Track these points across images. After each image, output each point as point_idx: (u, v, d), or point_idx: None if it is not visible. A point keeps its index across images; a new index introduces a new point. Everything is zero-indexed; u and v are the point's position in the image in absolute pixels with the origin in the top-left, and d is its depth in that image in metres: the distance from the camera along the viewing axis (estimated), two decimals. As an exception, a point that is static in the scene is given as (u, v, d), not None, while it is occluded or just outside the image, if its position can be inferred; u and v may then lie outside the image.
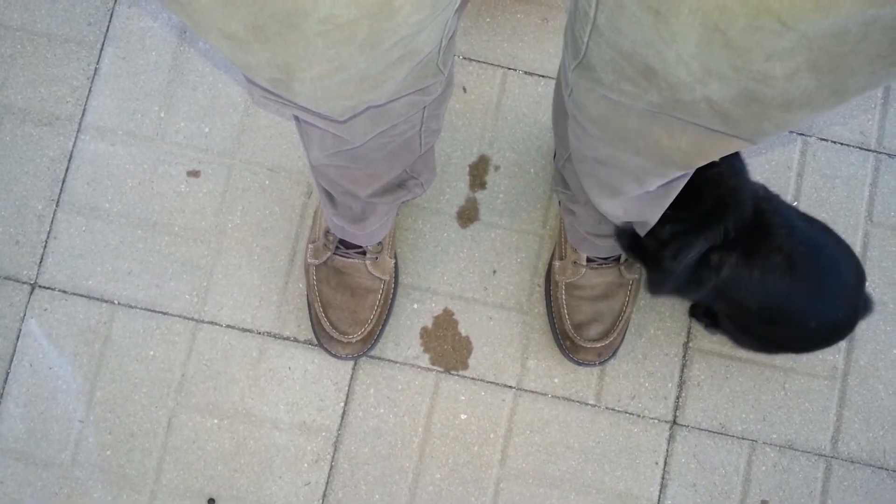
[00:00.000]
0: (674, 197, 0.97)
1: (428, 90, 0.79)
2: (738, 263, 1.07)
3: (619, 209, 0.99)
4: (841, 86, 0.54)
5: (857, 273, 1.13)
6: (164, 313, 1.29)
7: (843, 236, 1.26)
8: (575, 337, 1.25)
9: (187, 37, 1.37)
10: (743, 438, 1.29)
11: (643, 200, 0.96)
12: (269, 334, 1.29)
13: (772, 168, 1.36)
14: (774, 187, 1.34)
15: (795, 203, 1.35)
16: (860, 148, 1.37)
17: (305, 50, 0.58)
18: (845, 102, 0.58)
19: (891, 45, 0.49)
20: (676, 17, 0.52)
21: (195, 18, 0.56)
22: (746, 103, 0.58)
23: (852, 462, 1.29)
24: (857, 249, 1.34)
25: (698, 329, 1.31)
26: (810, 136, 1.37)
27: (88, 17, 1.37)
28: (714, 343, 1.31)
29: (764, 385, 1.30)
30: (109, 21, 1.38)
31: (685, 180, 0.93)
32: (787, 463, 1.28)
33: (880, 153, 1.37)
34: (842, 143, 1.37)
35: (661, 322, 1.32)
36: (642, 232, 1.09)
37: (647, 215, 1.01)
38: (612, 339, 1.26)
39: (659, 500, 1.28)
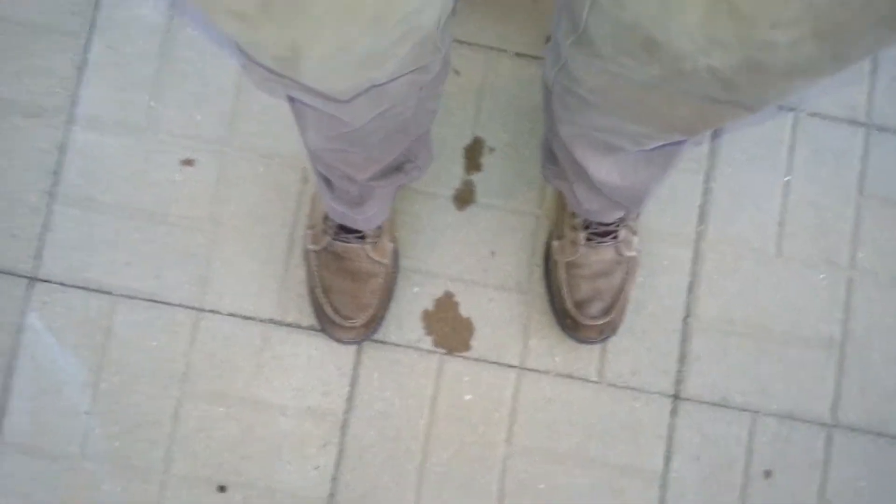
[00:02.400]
0: (676, 167, 1.03)
1: (427, 69, 0.83)
2: None
3: (614, 173, 1.04)
4: (843, 51, 0.58)
5: None
6: (165, 303, 1.35)
7: (836, 209, 1.36)
8: (576, 315, 1.32)
9: (175, 24, 1.42)
10: (744, 410, 1.37)
11: (640, 163, 1.01)
12: (271, 321, 1.35)
13: (764, 144, 1.44)
14: (766, 162, 1.44)
15: (788, 178, 1.44)
16: (850, 122, 1.46)
17: (313, 27, 0.61)
18: (846, 68, 0.62)
19: (893, 9, 0.53)
20: None
21: None
22: (749, 72, 0.62)
23: (852, 430, 1.38)
24: (850, 222, 1.43)
25: (697, 305, 1.39)
26: (801, 112, 1.46)
27: (72, 6, 1.42)
28: (713, 318, 1.39)
29: (762, 357, 1.39)
30: (95, 10, 1.42)
31: (686, 148, 0.99)
32: (787, 433, 1.37)
33: (870, 126, 1.46)
34: (832, 118, 1.46)
35: (659, 300, 1.40)
36: (641, 206, 1.17)
37: (647, 181, 1.06)
38: (612, 316, 1.33)
39: (663, 474, 1.36)
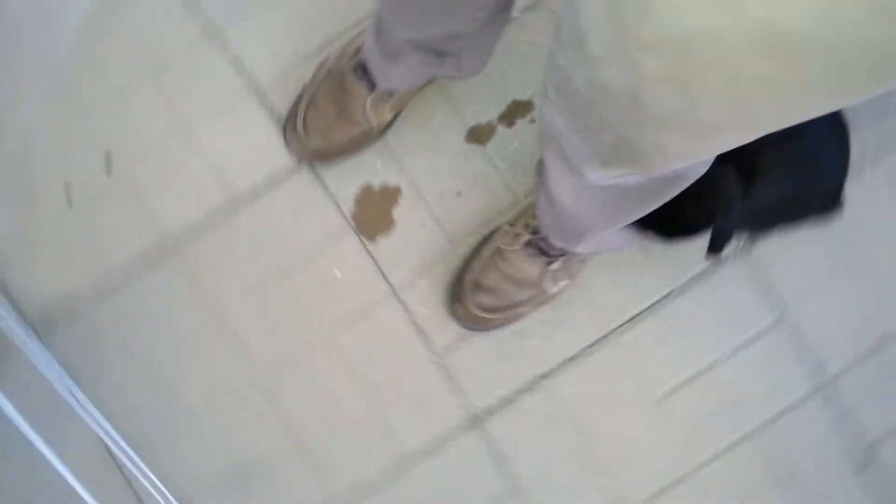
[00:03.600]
0: (631, 217, 1.04)
1: None
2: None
3: (567, 191, 1.04)
4: (698, 107, 0.56)
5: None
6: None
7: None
8: (466, 291, 1.35)
9: None
10: (512, 478, 1.40)
11: (587, 193, 1.02)
12: (255, 87, 1.42)
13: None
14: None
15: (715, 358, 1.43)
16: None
17: None
18: (713, 139, 0.60)
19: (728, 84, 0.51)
20: None
21: None
22: (632, 104, 0.60)
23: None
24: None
25: (561, 376, 1.41)
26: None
27: None
28: (564, 395, 1.41)
29: (576, 453, 1.41)
30: None
31: (640, 208, 1.00)
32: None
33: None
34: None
35: (544, 340, 1.41)
36: (577, 246, 1.19)
37: (589, 220, 1.08)
38: (492, 318, 1.36)
39: (419, 452, 1.40)
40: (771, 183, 1.16)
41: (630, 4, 0.52)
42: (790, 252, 1.41)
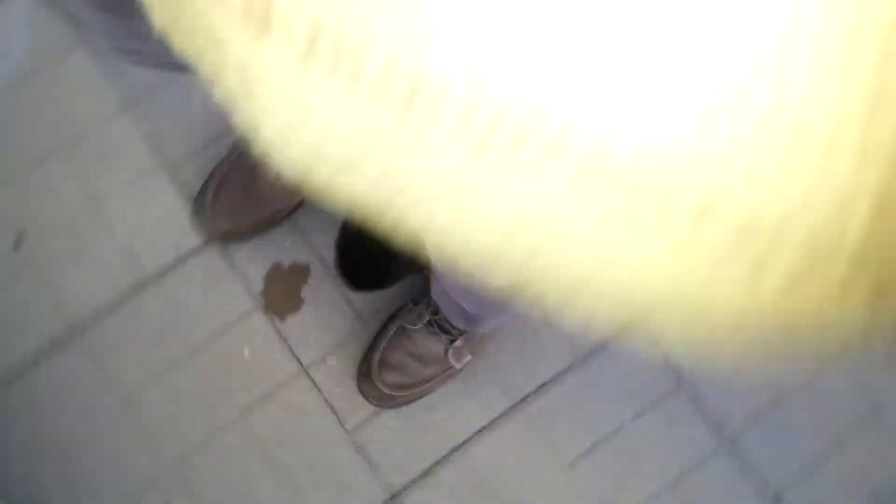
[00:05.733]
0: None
1: None
2: None
3: (455, 285, 1.07)
4: None
5: None
6: None
7: None
8: (373, 368, 1.38)
9: None
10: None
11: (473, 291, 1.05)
12: (168, 162, 1.43)
13: None
14: None
15: None
16: None
17: None
18: None
19: None
20: None
21: None
22: None
23: None
24: None
25: (475, 444, 1.44)
26: None
27: None
28: (475, 464, 1.44)
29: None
30: None
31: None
32: None
33: None
34: None
35: (453, 412, 1.44)
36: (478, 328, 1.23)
37: (482, 307, 1.11)
38: (399, 395, 1.39)
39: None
40: None
41: None
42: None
